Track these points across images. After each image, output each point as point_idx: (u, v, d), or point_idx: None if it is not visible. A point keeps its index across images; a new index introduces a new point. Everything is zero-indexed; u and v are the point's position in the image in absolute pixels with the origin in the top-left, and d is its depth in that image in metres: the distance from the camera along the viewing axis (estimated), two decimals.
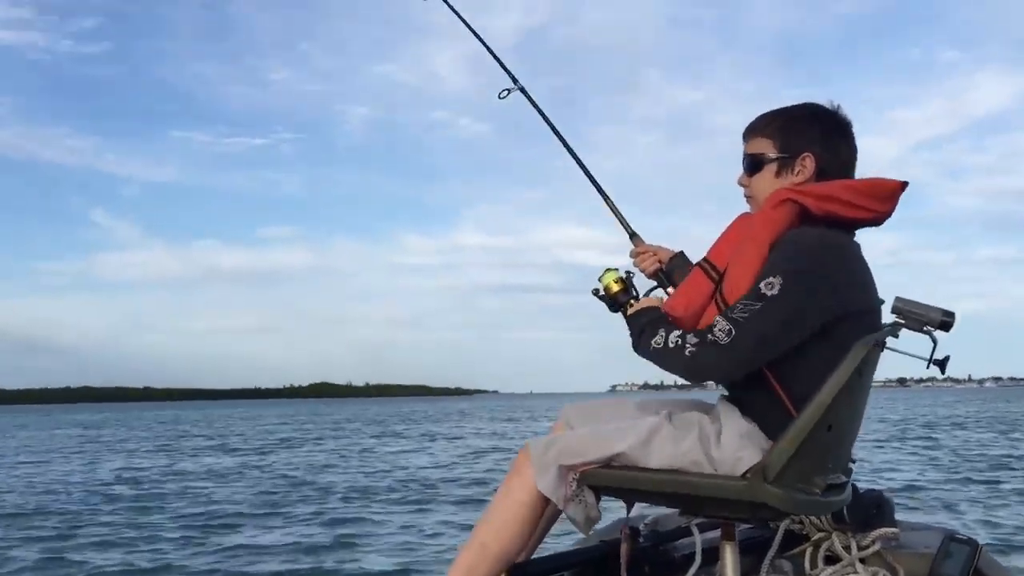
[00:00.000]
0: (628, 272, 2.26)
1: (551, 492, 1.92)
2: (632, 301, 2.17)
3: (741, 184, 2.08)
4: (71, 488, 12.65)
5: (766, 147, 2.00)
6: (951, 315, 1.81)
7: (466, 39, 2.83)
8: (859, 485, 2.70)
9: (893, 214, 1.94)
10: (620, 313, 2.17)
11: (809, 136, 1.96)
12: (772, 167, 1.99)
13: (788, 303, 1.78)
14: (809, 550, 2.65)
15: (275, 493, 11.39)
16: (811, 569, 2.58)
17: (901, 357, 1.89)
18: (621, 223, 2.50)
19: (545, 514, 2.03)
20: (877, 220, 1.94)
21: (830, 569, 2.51)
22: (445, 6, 2.90)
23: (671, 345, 1.87)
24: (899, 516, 2.81)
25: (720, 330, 1.80)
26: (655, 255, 2.37)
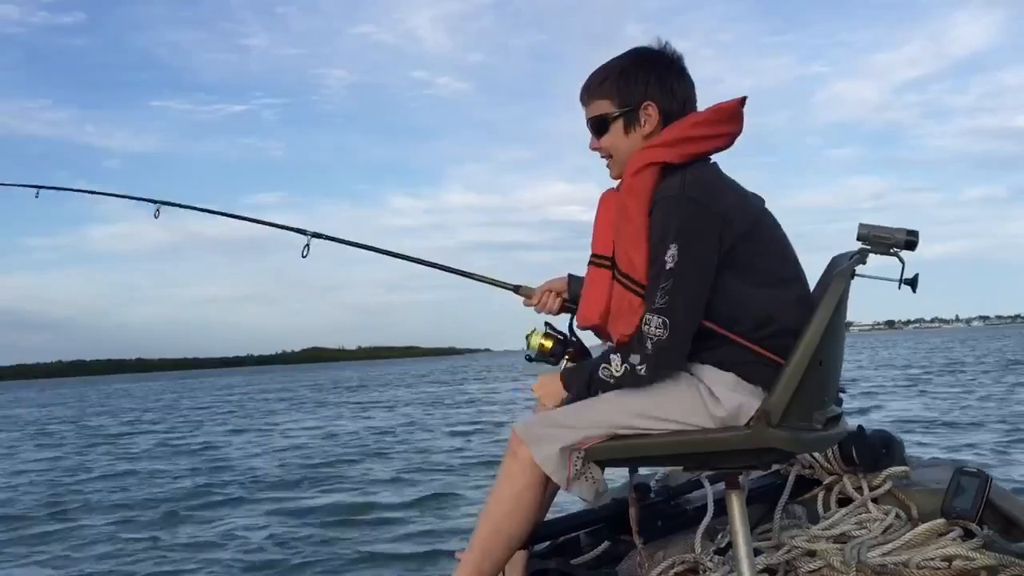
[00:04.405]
0: (547, 324, 2.24)
1: (553, 474, 1.90)
2: (573, 343, 2.21)
3: (593, 149, 2.05)
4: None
5: (606, 107, 1.99)
6: (915, 233, 1.82)
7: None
8: (867, 427, 2.72)
9: (743, 132, 1.94)
10: (566, 362, 2.19)
11: (645, 83, 1.95)
12: (618, 124, 1.98)
13: (693, 261, 1.79)
14: (821, 494, 2.69)
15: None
16: (824, 512, 2.61)
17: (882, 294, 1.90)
18: (501, 286, 2.46)
19: (550, 486, 2.00)
20: (731, 142, 1.95)
21: (843, 510, 2.54)
22: None
23: (620, 372, 1.85)
24: (910, 453, 2.84)
25: (656, 328, 1.79)
26: (550, 292, 2.35)
